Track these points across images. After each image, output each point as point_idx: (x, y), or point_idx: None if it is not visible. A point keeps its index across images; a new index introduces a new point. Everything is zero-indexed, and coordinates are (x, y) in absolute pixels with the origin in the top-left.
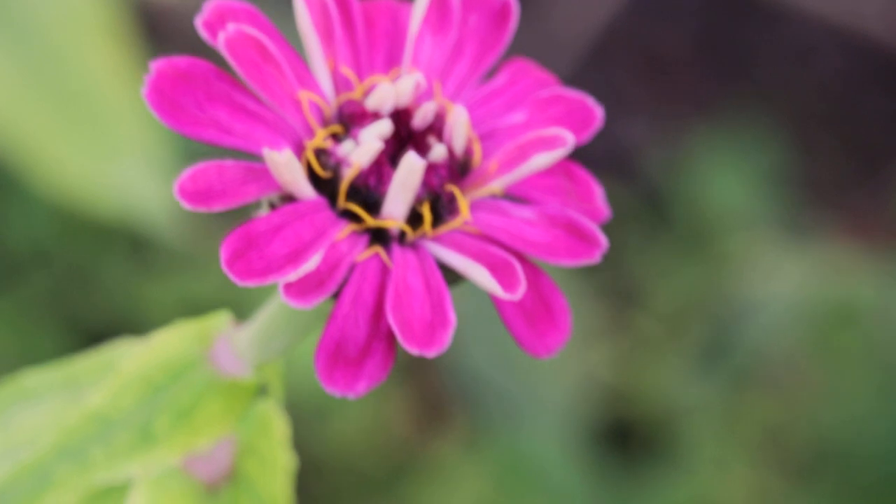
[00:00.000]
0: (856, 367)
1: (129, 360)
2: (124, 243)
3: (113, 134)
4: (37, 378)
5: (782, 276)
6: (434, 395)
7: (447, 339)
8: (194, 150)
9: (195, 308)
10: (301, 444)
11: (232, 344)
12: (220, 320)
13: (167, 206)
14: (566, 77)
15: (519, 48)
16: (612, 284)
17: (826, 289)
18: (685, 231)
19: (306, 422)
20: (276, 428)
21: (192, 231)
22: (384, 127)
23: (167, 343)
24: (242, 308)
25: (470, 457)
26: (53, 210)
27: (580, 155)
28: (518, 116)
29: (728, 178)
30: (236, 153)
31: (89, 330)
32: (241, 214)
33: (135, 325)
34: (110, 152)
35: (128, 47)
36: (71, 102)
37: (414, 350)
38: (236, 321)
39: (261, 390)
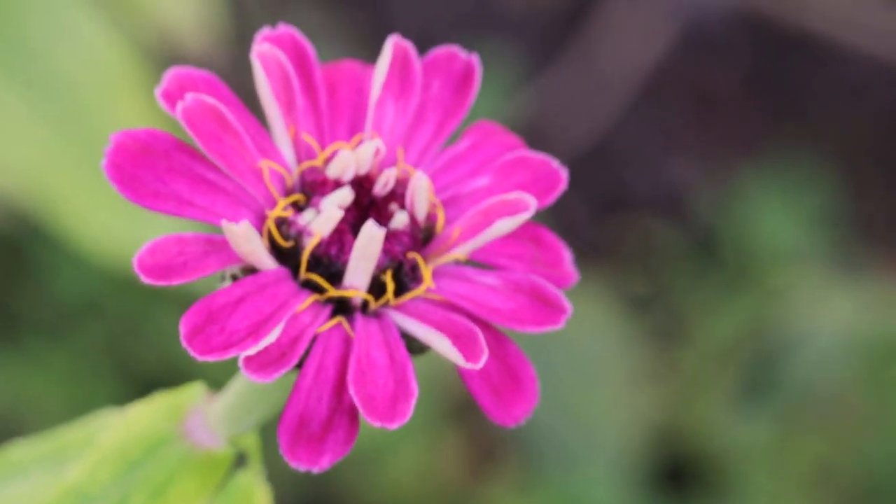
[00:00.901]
0: None
1: (105, 434)
2: (173, 293)
3: None
4: (24, 451)
5: (831, 311)
6: (486, 439)
7: (409, 411)
8: None
9: None
10: (356, 489)
11: (205, 417)
12: (194, 393)
13: None
14: (616, 118)
15: (569, 89)
16: (663, 324)
17: (875, 324)
18: (735, 269)
19: (361, 468)
20: (258, 500)
21: None
22: (344, 195)
23: (142, 417)
24: None
25: (523, 500)
26: (86, 259)
27: (628, 196)
28: (482, 181)
29: (778, 216)
30: (199, 225)
31: (142, 377)
32: None
33: (186, 372)
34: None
35: (155, 101)
36: (99, 158)
37: (377, 423)
38: (211, 392)
39: (239, 461)
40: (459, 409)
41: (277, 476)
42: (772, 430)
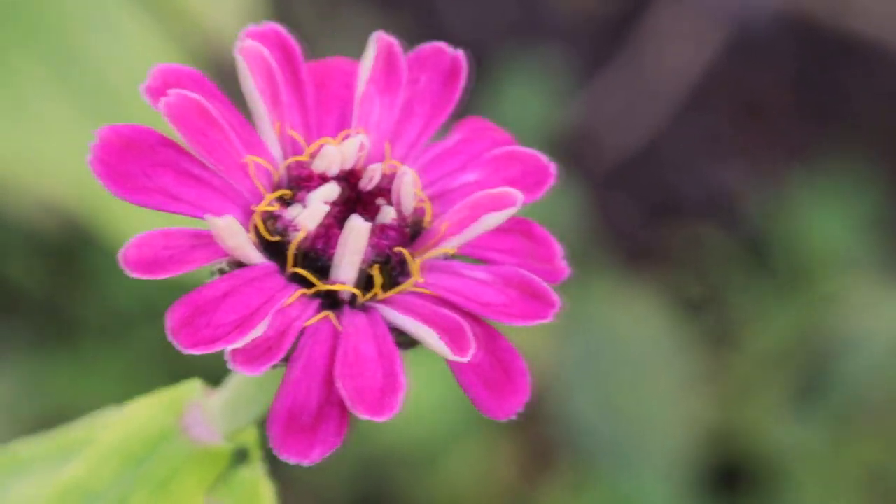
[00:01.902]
0: None
1: (106, 431)
2: None
3: None
4: (30, 447)
5: (883, 316)
6: (540, 442)
7: (398, 404)
8: None
9: None
10: (409, 492)
11: (204, 412)
12: (193, 388)
13: None
14: (665, 123)
15: (618, 95)
16: (715, 327)
17: None
18: (785, 273)
19: (415, 470)
20: (264, 495)
21: None
22: (331, 190)
23: (142, 413)
24: None
25: (576, 502)
26: None
27: (678, 200)
28: (471, 176)
29: (827, 220)
30: (187, 220)
31: (201, 379)
32: None
33: None
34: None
35: None
36: None
37: (365, 416)
38: (209, 388)
39: (241, 456)
40: None
41: (328, 476)
42: (824, 434)
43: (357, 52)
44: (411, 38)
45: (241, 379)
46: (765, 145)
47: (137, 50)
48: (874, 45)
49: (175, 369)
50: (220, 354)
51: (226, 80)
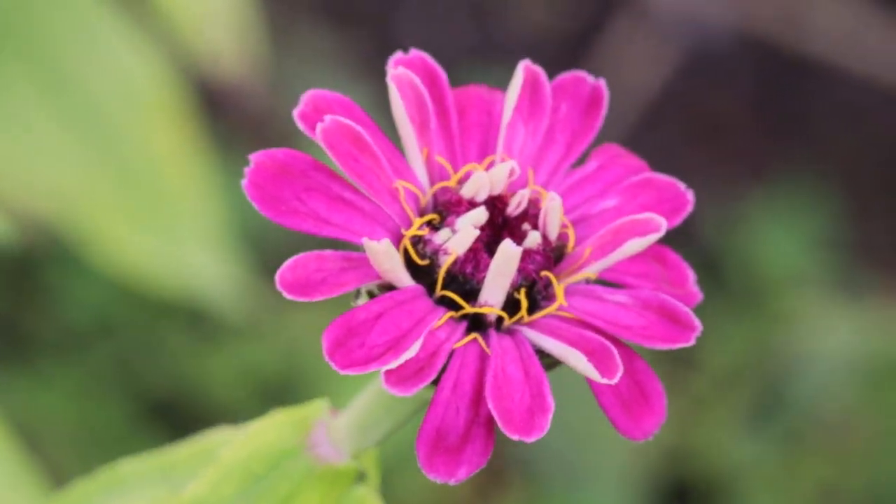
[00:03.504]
0: None
1: (228, 449)
2: (187, 313)
3: (173, 212)
4: (132, 466)
5: (835, 334)
6: (494, 459)
7: (547, 424)
8: (251, 228)
9: (257, 378)
10: None
11: (330, 432)
12: (318, 408)
13: (226, 284)
14: (621, 139)
15: None
16: None
17: (878, 347)
18: (739, 291)
19: None
20: None
21: (252, 303)
22: (480, 215)
23: (265, 431)
24: (306, 379)
25: None
26: (116, 282)
27: None
28: (610, 202)
29: (782, 239)
30: (332, 243)
31: (154, 397)
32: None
33: (198, 393)
34: (170, 230)
35: (188, 126)
36: (132, 181)
37: (514, 436)
38: (333, 409)
39: (360, 476)
40: None
41: None
42: (777, 452)
43: (315, 70)
44: (368, 56)
45: (368, 399)
46: (721, 164)
47: (126, 69)
48: (830, 64)
49: (131, 386)
50: (176, 374)
51: (214, 98)
